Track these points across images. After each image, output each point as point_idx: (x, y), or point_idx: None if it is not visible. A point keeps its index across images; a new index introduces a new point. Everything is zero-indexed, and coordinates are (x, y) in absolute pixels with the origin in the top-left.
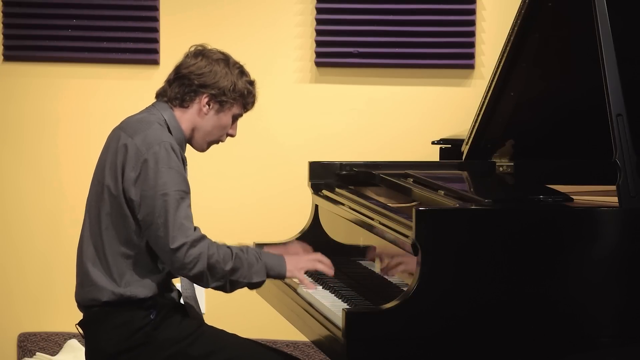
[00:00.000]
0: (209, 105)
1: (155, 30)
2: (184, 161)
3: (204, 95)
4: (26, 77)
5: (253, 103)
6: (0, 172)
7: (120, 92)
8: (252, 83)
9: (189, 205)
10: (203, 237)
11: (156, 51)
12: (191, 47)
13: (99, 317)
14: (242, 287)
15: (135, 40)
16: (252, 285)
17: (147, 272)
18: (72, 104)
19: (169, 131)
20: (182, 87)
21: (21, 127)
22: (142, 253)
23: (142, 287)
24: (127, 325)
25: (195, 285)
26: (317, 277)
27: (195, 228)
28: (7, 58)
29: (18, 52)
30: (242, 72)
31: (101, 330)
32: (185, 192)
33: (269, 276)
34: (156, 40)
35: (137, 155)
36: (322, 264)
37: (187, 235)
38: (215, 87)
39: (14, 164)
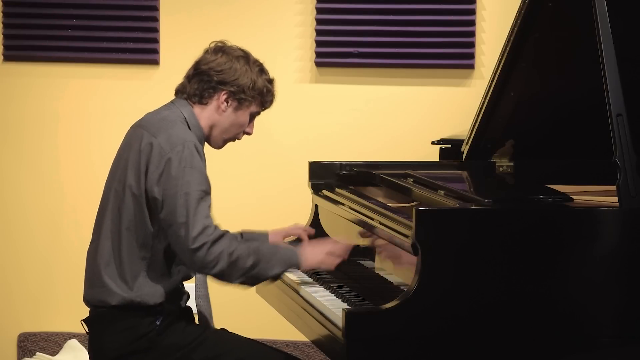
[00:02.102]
0: (227, 102)
1: (155, 30)
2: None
3: (223, 92)
4: (26, 77)
5: (271, 102)
6: (0, 172)
7: (120, 92)
8: (271, 81)
9: (210, 205)
10: (224, 234)
11: (156, 51)
12: (211, 43)
13: (105, 319)
14: (263, 280)
15: (135, 40)
16: (273, 278)
17: (160, 276)
18: (72, 104)
19: (189, 129)
20: (201, 83)
21: (21, 127)
22: (156, 257)
23: (153, 293)
24: (132, 331)
25: (207, 285)
26: (317, 276)
27: (215, 227)
28: (7, 58)
29: (18, 52)
30: (262, 70)
31: (105, 333)
32: (206, 192)
33: (286, 268)
34: (156, 40)
35: (161, 154)
36: (336, 257)
37: (207, 234)
38: (235, 84)
39: (14, 164)
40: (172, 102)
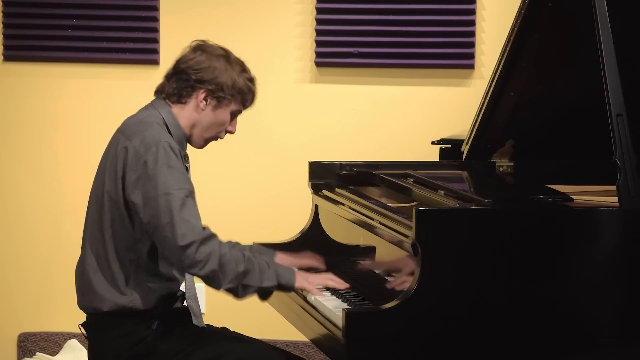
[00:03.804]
0: (205, 101)
1: (155, 30)
2: (184, 158)
3: (201, 91)
4: (26, 77)
5: (252, 100)
6: (0, 172)
7: (120, 92)
8: (252, 80)
9: (195, 204)
10: (213, 235)
11: (156, 51)
12: (192, 41)
13: (102, 325)
14: (253, 292)
15: (135, 40)
16: (263, 290)
17: (150, 277)
18: (72, 104)
19: (168, 130)
20: (179, 82)
21: (21, 127)
22: (142, 259)
23: (145, 297)
24: (129, 336)
25: (194, 284)
26: None
27: (204, 227)
28: (7, 58)
29: (18, 52)
30: (243, 69)
31: (103, 339)
32: (189, 190)
33: (279, 284)
34: (156, 40)
35: (137, 157)
36: (334, 282)
37: (196, 232)
38: (213, 82)
39: (14, 164)
40: (151, 103)
